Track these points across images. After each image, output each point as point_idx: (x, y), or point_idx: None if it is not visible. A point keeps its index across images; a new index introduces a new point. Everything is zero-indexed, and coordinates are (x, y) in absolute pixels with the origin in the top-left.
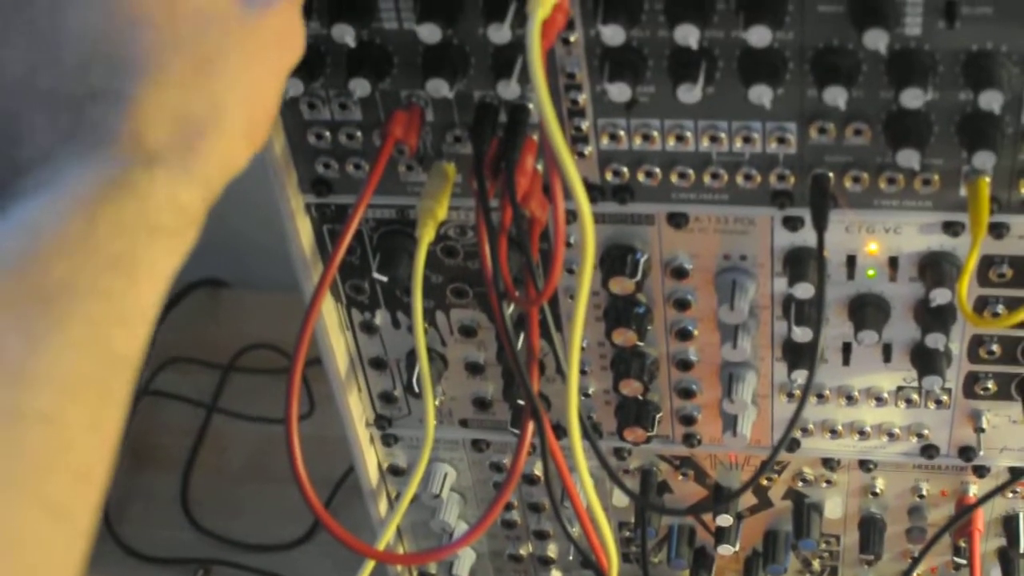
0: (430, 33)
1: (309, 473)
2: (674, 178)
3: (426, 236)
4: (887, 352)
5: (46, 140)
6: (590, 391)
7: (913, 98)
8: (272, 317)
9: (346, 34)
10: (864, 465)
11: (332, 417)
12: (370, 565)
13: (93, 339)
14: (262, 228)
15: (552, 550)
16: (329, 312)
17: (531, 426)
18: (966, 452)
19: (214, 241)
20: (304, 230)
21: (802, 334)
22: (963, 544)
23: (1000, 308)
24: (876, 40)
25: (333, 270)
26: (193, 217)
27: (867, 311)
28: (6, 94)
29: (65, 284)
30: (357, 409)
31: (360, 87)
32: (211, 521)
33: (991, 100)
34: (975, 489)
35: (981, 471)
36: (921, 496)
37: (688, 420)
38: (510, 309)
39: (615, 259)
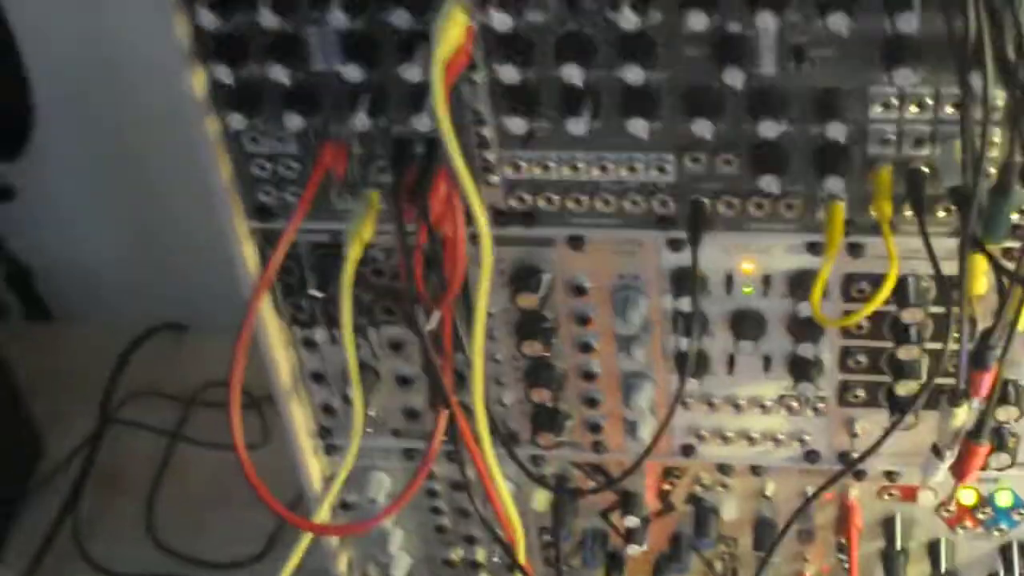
0: (352, 72)
1: None
2: (570, 204)
3: (352, 255)
4: (767, 362)
5: None
6: (506, 401)
7: (769, 129)
8: (230, 357)
9: (281, 74)
10: (755, 470)
11: (285, 449)
12: (306, 538)
13: None
14: (218, 273)
15: (480, 555)
16: (274, 330)
17: (443, 423)
18: (845, 456)
19: (173, 288)
20: (249, 253)
21: (688, 346)
22: (845, 542)
23: (863, 322)
24: (734, 78)
25: (267, 282)
26: None
27: (745, 324)
28: None
29: None
30: (300, 420)
31: (293, 122)
32: (174, 541)
33: (836, 131)
34: (855, 492)
35: (860, 474)
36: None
37: (595, 428)
38: (430, 324)
39: (522, 277)
